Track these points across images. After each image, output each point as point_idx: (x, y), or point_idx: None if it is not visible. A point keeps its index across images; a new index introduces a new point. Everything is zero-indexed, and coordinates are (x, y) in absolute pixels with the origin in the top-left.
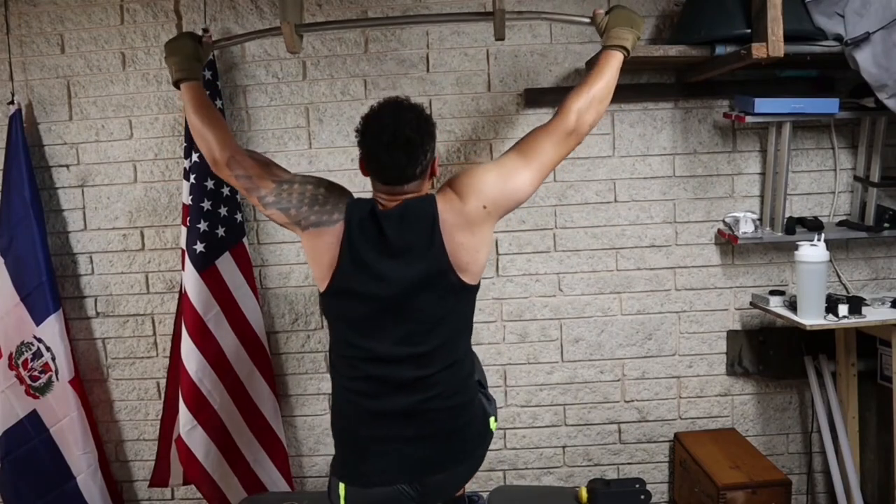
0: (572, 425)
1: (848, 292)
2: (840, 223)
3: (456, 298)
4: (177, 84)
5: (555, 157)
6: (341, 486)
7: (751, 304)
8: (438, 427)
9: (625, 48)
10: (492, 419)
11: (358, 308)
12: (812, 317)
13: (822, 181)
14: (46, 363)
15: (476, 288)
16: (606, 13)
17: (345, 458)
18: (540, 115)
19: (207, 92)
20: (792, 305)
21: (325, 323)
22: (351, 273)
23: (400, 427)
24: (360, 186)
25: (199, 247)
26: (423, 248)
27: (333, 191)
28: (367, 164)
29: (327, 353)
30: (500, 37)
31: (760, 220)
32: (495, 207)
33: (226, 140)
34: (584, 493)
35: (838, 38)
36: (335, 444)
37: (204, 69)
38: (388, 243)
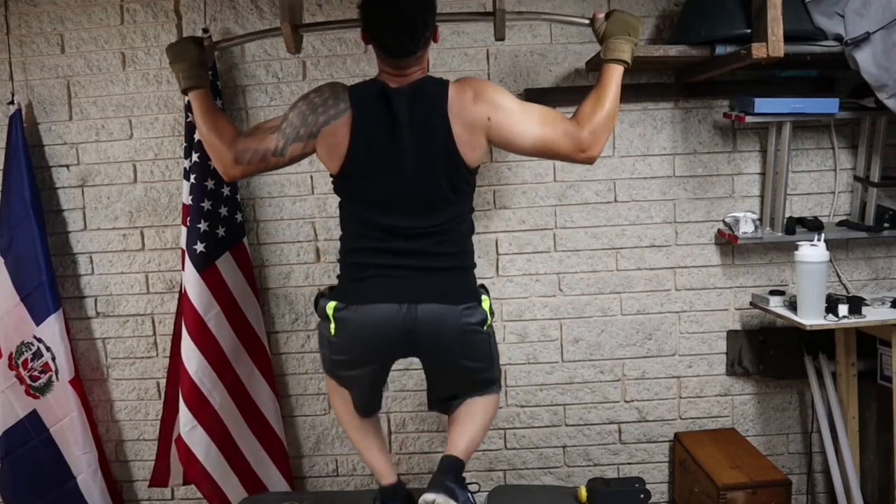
0: (572, 425)
1: (848, 292)
2: (840, 223)
3: (461, 178)
4: (184, 92)
5: (557, 151)
6: (331, 304)
7: (751, 304)
8: (435, 264)
9: (625, 61)
10: (485, 299)
11: (373, 186)
12: (812, 317)
13: (822, 181)
14: (46, 363)
15: (476, 171)
16: (605, 18)
17: (347, 284)
18: None
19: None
20: (792, 305)
21: None
22: (365, 155)
23: (401, 261)
24: None
25: (200, 247)
26: (432, 128)
27: (324, 90)
28: (371, 39)
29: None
30: (500, 37)
31: (760, 220)
32: (495, 128)
33: (231, 143)
34: (583, 493)
35: (838, 38)
36: (339, 277)
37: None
38: (398, 123)
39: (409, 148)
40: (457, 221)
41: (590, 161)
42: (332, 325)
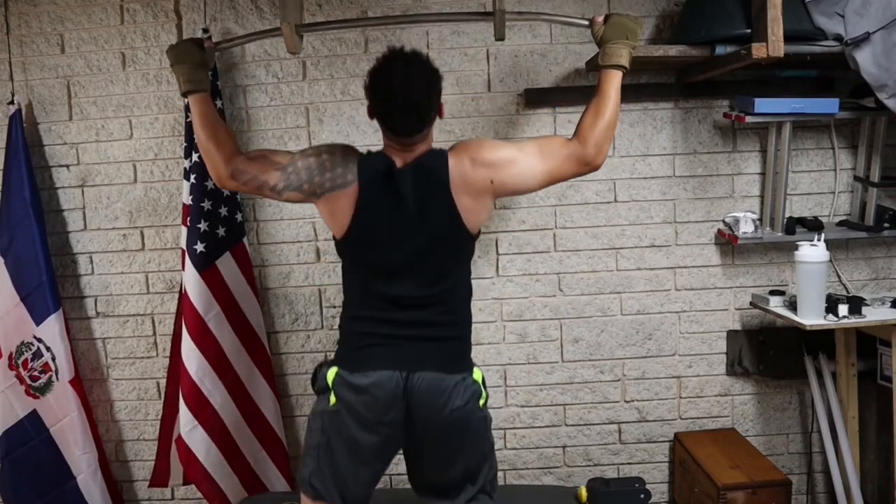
0: (572, 425)
1: (848, 292)
2: (840, 223)
3: (463, 247)
4: (185, 95)
5: (566, 175)
6: (332, 370)
7: (751, 304)
8: (435, 334)
9: (623, 66)
10: (477, 371)
11: (374, 256)
12: (812, 317)
13: (822, 181)
14: (46, 363)
15: (477, 236)
16: (604, 21)
17: (348, 352)
18: (540, 115)
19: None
20: (792, 305)
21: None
22: (369, 228)
23: (403, 331)
24: None
25: (200, 247)
26: (435, 204)
27: (338, 153)
28: (377, 119)
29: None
30: (500, 37)
31: (760, 220)
32: (500, 186)
33: (229, 156)
34: (583, 493)
35: (838, 38)
36: (339, 342)
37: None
38: (403, 200)
39: (413, 224)
40: (456, 289)
41: (596, 170)
42: (332, 396)
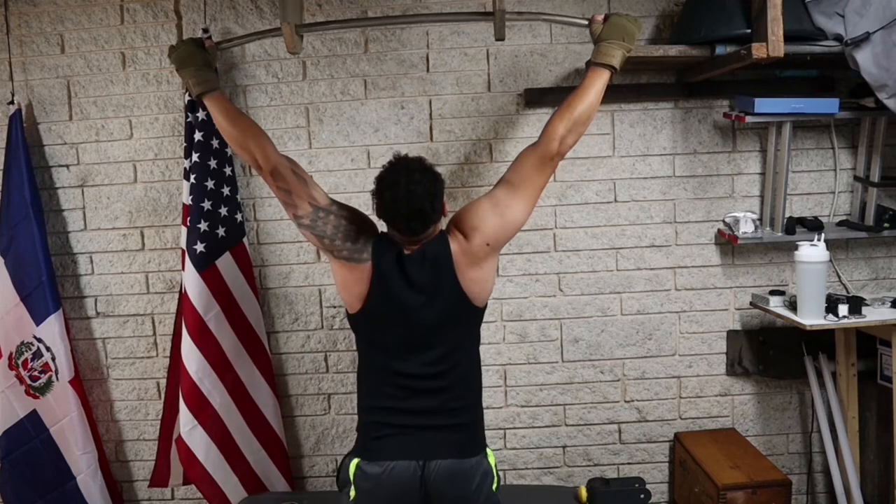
0: (572, 425)
1: (848, 292)
2: (840, 223)
3: (471, 322)
4: (199, 98)
5: (541, 182)
6: (354, 462)
7: (751, 304)
8: (448, 422)
9: (612, 66)
10: (488, 450)
11: (386, 336)
12: (812, 317)
13: (822, 181)
14: (46, 363)
15: (485, 308)
16: (604, 20)
17: (364, 441)
18: (540, 115)
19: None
20: (792, 305)
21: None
22: (380, 306)
23: (417, 420)
24: (361, 186)
25: (200, 247)
26: (441, 285)
27: (362, 225)
28: (385, 222)
29: (354, 361)
30: (500, 37)
31: (760, 220)
32: (496, 242)
33: (266, 149)
34: (583, 493)
35: (838, 38)
36: (358, 432)
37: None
38: (412, 283)
39: (423, 306)
40: (467, 363)
41: (558, 163)
42: (353, 490)
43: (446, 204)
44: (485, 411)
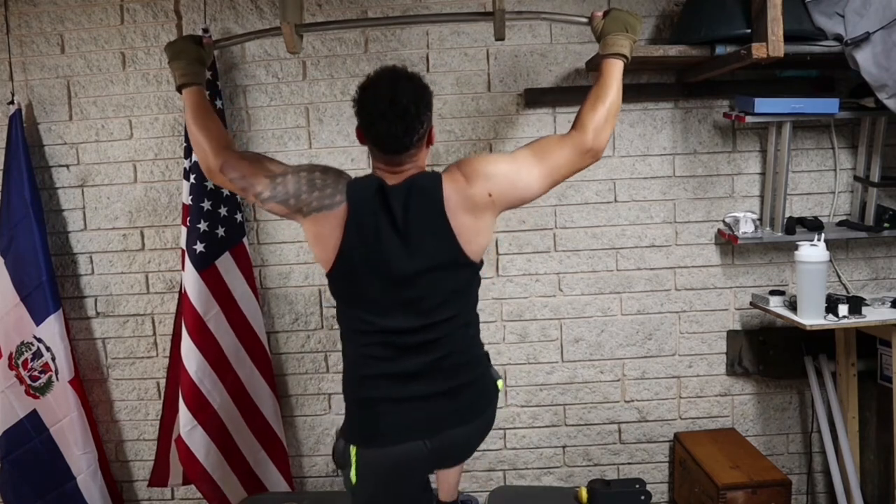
0: (572, 425)
1: (848, 292)
2: (840, 223)
3: (463, 273)
4: (179, 89)
5: (568, 169)
6: (353, 448)
7: (751, 304)
8: (449, 384)
9: (624, 55)
10: (499, 381)
11: (368, 288)
12: (812, 317)
13: (822, 181)
14: (46, 363)
15: (480, 265)
16: (603, 16)
17: (358, 423)
18: (540, 115)
19: (207, 92)
20: (792, 305)
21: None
22: (358, 253)
23: (412, 387)
24: None
25: (199, 247)
26: (429, 225)
27: (330, 173)
28: (365, 134)
29: (335, 321)
30: (500, 37)
31: (760, 220)
32: (500, 198)
33: (220, 147)
34: (584, 494)
35: (838, 38)
36: (346, 410)
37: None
38: (395, 221)
39: (407, 247)
40: (461, 324)
41: (597, 158)
42: (353, 472)
43: (435, 130)
44: None
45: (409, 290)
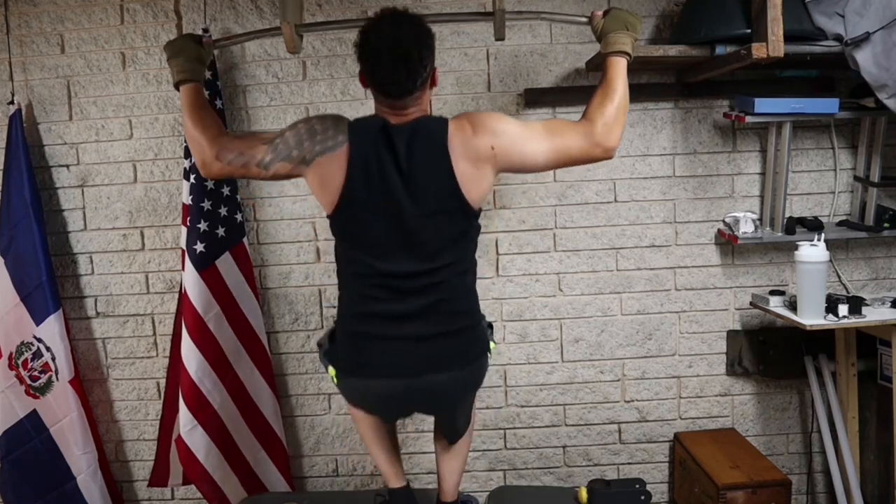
0: (572, 425)
1: (848, 292)
2: (840, 223)
3: (463, 219)
4: (177, 86)
5: (577, 154)
6: (332, 370)
7: (751, 304)
8: (442, 329)
9: (626, 53)
10: (492, 343)
11: (370, 229)
12: (812, 317)
13: (822, 181)
14: (46, 363)
15: (479, 214)
16: (603, 15)
17: (345, 353)
18: (540, 115)
19: (207, 92)
20: (792, 305)
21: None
22: (361, 193)
23: (404, 328)
24: None
25: (199, 247)
26: (432, 167)
27: (328, 119)
28: (368, 78)
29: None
30: (500, 37)
31: (760, 220)
32: (502, 155)
33: (214, 137)
34: (583, 494)
35: (838, 38)
36: (338, 340)
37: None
38: (398, 160)
39: (408, 185)
40: (460, 269)
41: (608, 155)
42: (335, 381)
43: (438, 72)
44: (485, 411)
45: (411, 233)
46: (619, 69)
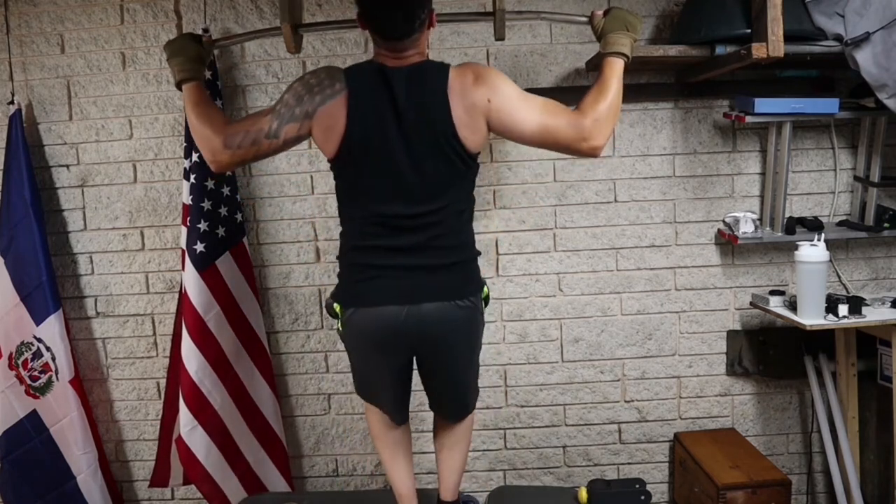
0: (572, 425)
1: (848, 292)
2: (840, 223)
3: (461, 163)
4: (178, 85)
5: (562, 139)
6: (337, 305)
7: (751, 304)
8: (433, 261)
9: (624, 54)
10: (485, 287)
11: (369, 173)
12: (812, 317)
13: (822, 181)
14: (46, 363)
15: (477, 156)
16: (604, 15)
17: (346, 284)
18: None
19: (207, 92)
20: (792, 305)
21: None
22: (361, 135)
23: (400, 259)
24: None
25: (199, 247)
26: (431, 108)
27: (321, 71)
28: (365, 20)
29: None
30: (500, 37)
31: (760, 220)
32: (496, 112)
33: (220, 127)
34: (583, 494)
35: (838, 38)
36: (340, 276)
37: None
38: (396, 104)
39: (406, 127)
40: (457, 209)
41: (593, 153)
42: (340, 325)
43: (435, 15)
44: (485, 411)
45: (409, 176)
46: (615, 70)
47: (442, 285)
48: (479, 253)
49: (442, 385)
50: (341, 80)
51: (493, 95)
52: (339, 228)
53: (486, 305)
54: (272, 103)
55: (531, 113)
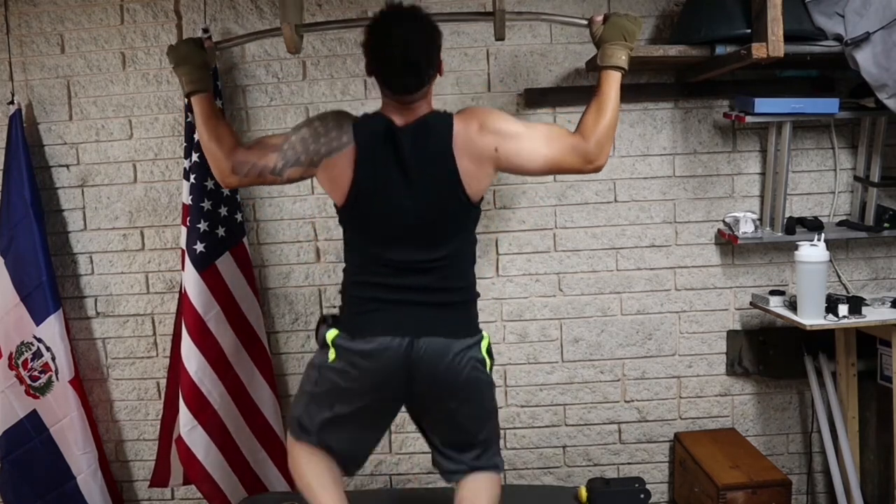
0: (572, 425)
1: (848, 292)
2: (840, 223)
3: (463, 212)
4: (188, 96)
5: (568, 165)
6: (333, 331)
7: (751, 304)
8: (437, 299)
9: (621, 68)
10: (485, 336)
11: (375, 224)
12: (812, 317)
13: (822, 181)
14: (46, 363)
15: (480, 203)
16: (603, 22)
17: (349, 316)
18: (540, 116)
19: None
20: (792, 305)
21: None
22: (368, 191)
23: (405, 295)
24: None
25: (199, 247)
26: (437, 165)
27: (329, 118)
28: (376, 78)
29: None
30: (500, 37)
31: (760, 220)
32: (504, 157)
33: (230, 150)
34: (583, 493)
35: (838, 38)
36: (341, 309)
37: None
38: (404, 160)
39: (413, 185)
40: (460, 255)
41: (597, 170)
42: (332, 352)
43: (444, 64)
44: None
45: (414, 228)
46: (612, 83)
47: (443, 322)
48: (478, 294)
49: (444, 416)
50: (349, 134)
51: (500, 142)
52: (340, 228)
53: (492, 362)
54: (282, 137)
55: (536, 150)
